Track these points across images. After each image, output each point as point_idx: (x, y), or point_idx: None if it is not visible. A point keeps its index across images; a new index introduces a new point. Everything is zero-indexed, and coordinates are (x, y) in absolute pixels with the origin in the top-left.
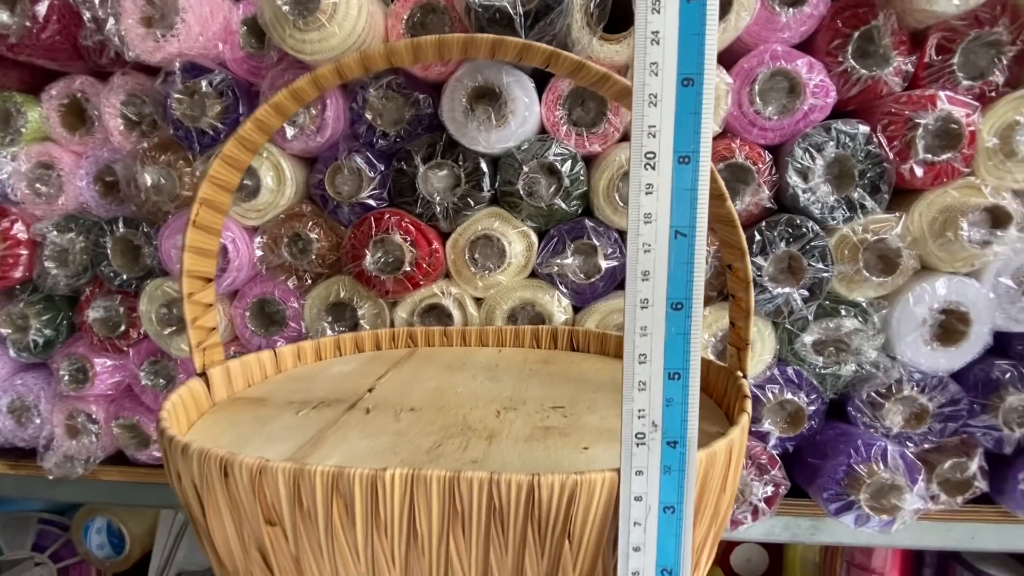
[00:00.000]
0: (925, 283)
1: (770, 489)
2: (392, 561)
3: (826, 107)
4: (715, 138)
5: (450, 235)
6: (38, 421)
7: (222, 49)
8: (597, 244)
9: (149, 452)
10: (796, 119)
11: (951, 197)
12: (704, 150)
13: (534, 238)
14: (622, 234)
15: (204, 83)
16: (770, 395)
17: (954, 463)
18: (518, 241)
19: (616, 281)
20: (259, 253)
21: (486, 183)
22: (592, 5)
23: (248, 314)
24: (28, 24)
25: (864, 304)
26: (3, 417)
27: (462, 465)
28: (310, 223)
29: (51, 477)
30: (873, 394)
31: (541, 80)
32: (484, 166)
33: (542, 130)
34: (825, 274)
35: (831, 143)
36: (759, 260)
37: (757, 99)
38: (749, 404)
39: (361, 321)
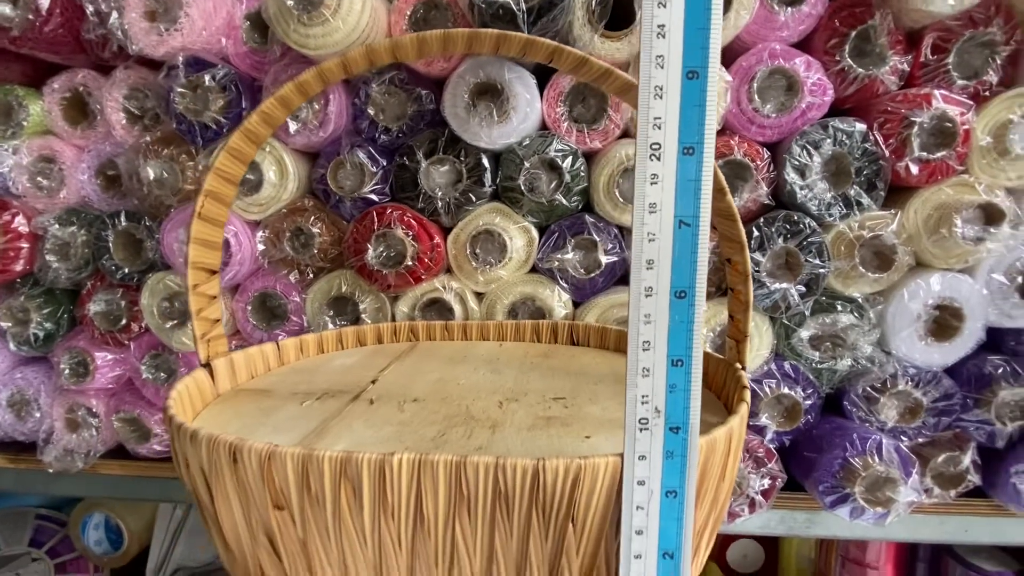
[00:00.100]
0: (920, 279)
1: (767, 482)
2: (399, 545)
3: (823, 105)
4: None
5: (451, 230)
6: (38, 415)
7: (225, 44)
8: (597, 239)
9: (150, 446)
10: (794, 117)
11: (945, 194)
12: (708, 142)
13: (535, 233)
14: (622, 230)
15: (207, 77)
16: (767, 389)
17: (947, 457)
18: (519, 236)
19: (616, 276)
20: (261, 247)
21: (487, 179)
22: (594, 2)
23: (250, 308)
24: (31, 17)
25: (860, 300)
26: (3, 411)
27: (467, 452)
28: (312, 217)
29: (51, 471)
30: (868, 389)
31: (542, 77)
32: (485, 162)
33: (543, 126)
34: (822, 270)
35: (828, 141)
36: (757, 256)
37: (756, 97)
38: (748, 394)
39: (362, 315)
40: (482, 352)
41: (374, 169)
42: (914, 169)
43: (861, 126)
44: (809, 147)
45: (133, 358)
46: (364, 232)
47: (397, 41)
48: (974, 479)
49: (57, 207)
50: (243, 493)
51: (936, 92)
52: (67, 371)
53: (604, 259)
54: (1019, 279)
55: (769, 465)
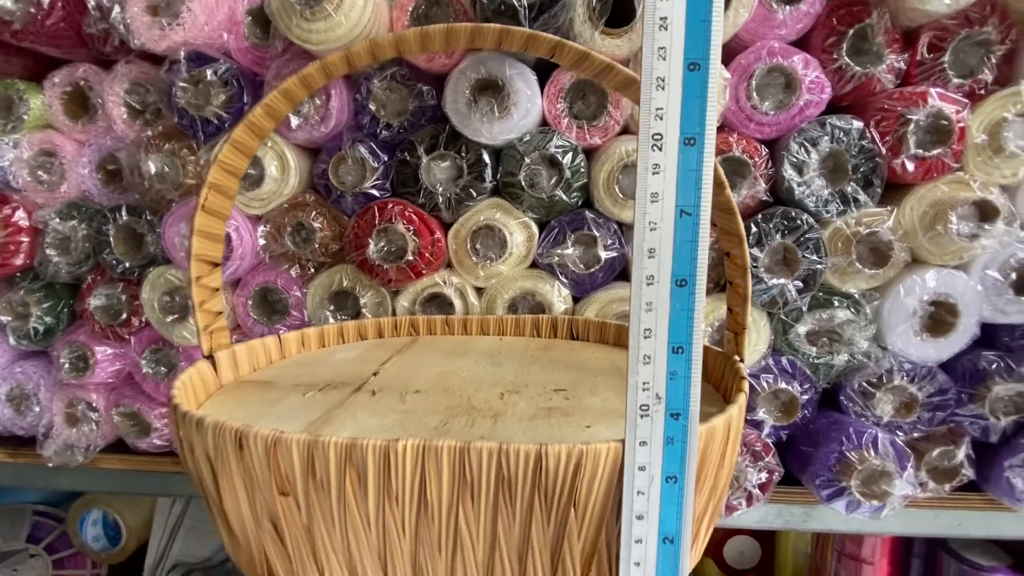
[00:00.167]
0: (915, 275)
1: (764, 475)
2: (403, 530)
3: (821, 103)
4: None
5: (452, 225)
6: (37, 409)
7: (227, 39)
8: (597, 235)
9: (150, 440)
10: (792, 114)
11: (941, 191)
12: (709, 133)
13: (535, 229)
14: (622, 225)
15: (209, 72)
16: (764, 384)
17: (942, 451)
18: (519, 232)
19: (615, 272)
20: (262, 242)
21: (488, 174)
22: (594, 0)
23: (250, 302)
24: (32, 11)
25: (856, 295)
26: (2, 405)
27: (470, 440)
28: (313, 212)
29: (51, 465)
30: (864, 384)
31: (543, 73)
32: (486, 157)
33: (544, 123)
34: (819, 266)
35: (826, 138)
36: (755, 251)
37: (754, 94)
38: (747, 385)
39: (363, 310)
40: (482, 346)
41: (375, 164)
42: (910, 166)
43: (858, 124)
44: (807, 144)
45: (133, 352)
46: (365, 227)
47: (400, 35)
48: (968, 473)
49: (58, 201)
50: (248, 479)
51: (932, 90)
52: (67, 365)
53: (603, 254)
54: (1013, 275)
55: (766, 459)
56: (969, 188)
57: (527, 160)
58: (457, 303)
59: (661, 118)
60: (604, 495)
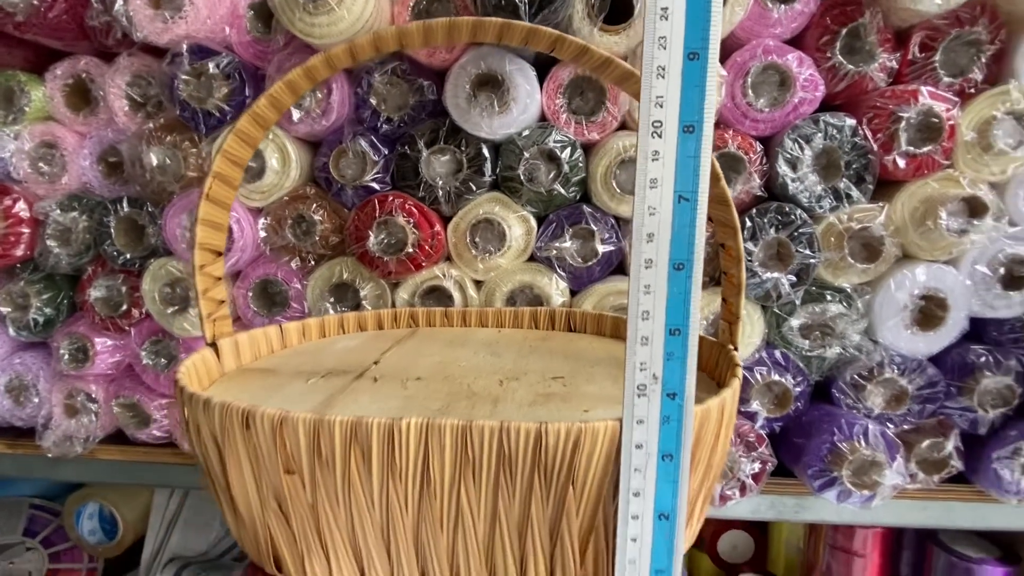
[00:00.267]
0: (906, 270)
1: (757, 466)
2: (405, 507)
3: (815, 100)
4: None
5: (451, 219)
6: (36, 400)
7: (229, 33)
8: (594, 229)
9: (149, 431)
10: (786, 111)
11: (931, 188)
12: (707, 121)
13: (533, 223)
14: (619, 220)
15: (211, 65)
16: (758, 377)
17: (931, 443)
18: (518, 225)
19: (612, 265)
20: (263, 234)
21: (487, 168)
22: None
23: (251, 294)
24: (35, 3)
25: (848, 290)
26: (1, 396)
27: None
28: (314, 205)
29: (50, 455)
30: (856, 376)
31: (542, 70)
32: (486, 152)
33: (542, 118)
34: (812, 260)
35: (819, 135)
36: (749, 246)
37: (749, 92)
38: (740, 371)
39: (363, 302)
40: (481, 337)
41: (376, 158)
42: (901, 163)
43: (851, 121)
44: (801, 141)
45: (133, 344)
46: (366, 219)
47: (403, 28)
48: (957, 465)
49: (58, 193)
50: (254, 458)
51: (923, 89)
52: (66, 356)
53: (601, 248)
54: (1001, 270)
55: (760, 449)
56: (959, 185)
57: (526, 155)
58: (456, 296)
59: (661, 106)
60: (602, 472)
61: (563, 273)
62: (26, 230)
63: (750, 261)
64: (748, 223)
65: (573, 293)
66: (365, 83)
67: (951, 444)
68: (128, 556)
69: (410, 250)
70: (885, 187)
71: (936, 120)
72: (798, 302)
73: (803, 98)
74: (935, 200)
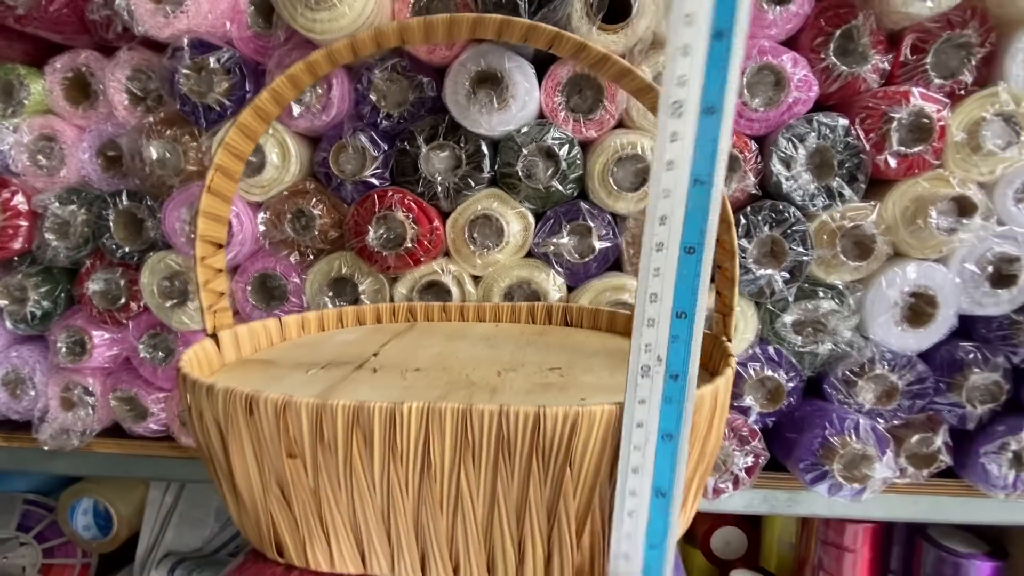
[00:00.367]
0: (897, 268)
1: (750, 459)
2: (406, 490)
3: (809, 100)
4: None
5: (450, 214)
6: (32, 394)
7: (229, 27)
8: (591, 225)
9: (146, 424)
10: (781, 111)
11: (922, 187)
12: (729, 104)
13: (531, 219)
14: (616, 217)
15: (212, 60)
16: (752, 372)
17: (921, 438)
18: (516, 221)
19: (609, 262)
20: (262, 228)
21: (486, 165)
22: None
23: (249, 288)
24: None
25: (840, 287)
26: None
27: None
28: (313, 200)
29: (46, 448)
30: (847, 372)
31: (541, 68)
32: (485, 148)
33: (541, 115)
34: (805, 258)
35: (813, 134)
36: (744, 243)
37: (745, 91)
38: (733, 362)
39: (361, 296)
40: (479, 331)
41: (375, 153)
42: (893, 163)
43: (844, 121)
44: (794, 140)
45: (131, 337)
46: (365, 214)
47: (405, 24)
48: (946, 459)
49: (57, 186)
50: (257, 443)
51: (914, 90)
52: (64, 350)
53: (598, 245)
54: (989, 268)
55: (753, 443)
56: (948, 184)
57: (524, 151)
58: (454, 290)
59: (683, 85)
60: (598, 455)
61: (560, 269)
62: (24, 223)
63: (744, 258)
64: (743, 221)
65: (570, 289)
66: (365, 79)
67: (940, 439)
68: (122, 551)
69: (409, 245)
70: (877, 186)
71: (927, 121)
72: (791, 299)
73: (797, 98)
74: (925, 199)
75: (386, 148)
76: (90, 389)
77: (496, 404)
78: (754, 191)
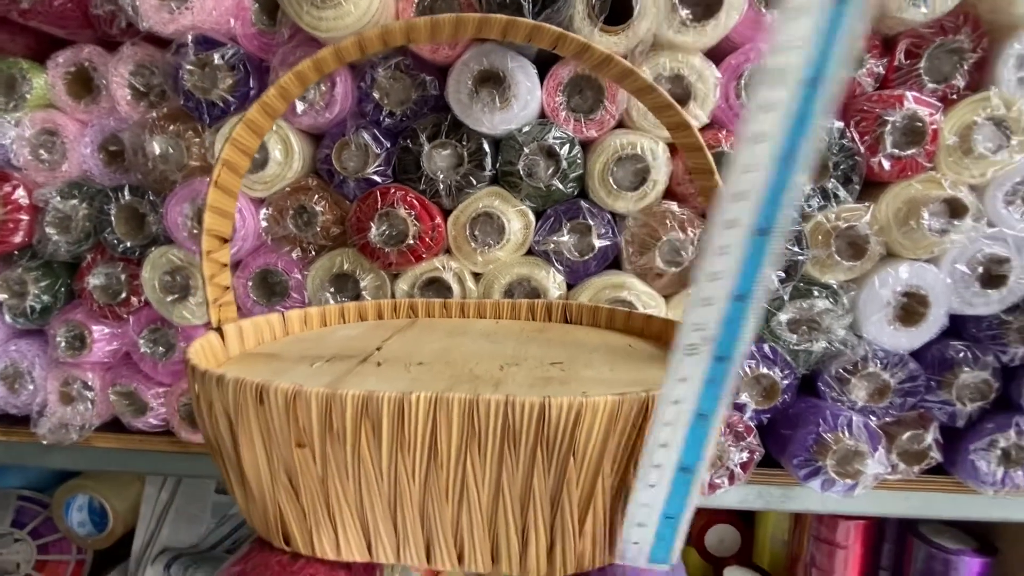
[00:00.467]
0: (890, 268)
1: (745, 455)
2: (413, 479)
3: None
4: (703, 129)
5: (452, 212)
6: (31, 388)
7: (234, 24)
8: (591, 224)
9: (145, 419)
10: None
11: (914, 189)
12: (834, 74)
13: (532, 217)
14: (615, 215)
15: (216, 56)
16: (747, 369)
17: (912, 435)
18: (517, 219)
19: (608, 260)
20: (264, 224)
21: (488, 163)
22: None
23: (251, 284)
24: None
25: (835, 286)
26: None
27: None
28: (316, 196)
29: (45, 442)
30: (841, 370)
31: (543, 68)
32: (486, 147)
33: (542, 115)
34: (800, 257)
35: None
36: None
37: (743, 93)
38: None
39: (363, 292)
40: (480, 327)
41: (378, 151)
42: (886, 165)
43: (839, 124)
44: None
45: (131, 332)
46: (367, 211)
47: (411, 23)
48: (936, 456)
49: (58, 180)
50: (267, 433)
51: (908, 94)
52: (63, 344)
53: (597, 243)
54: (980, 269)
55: (748, 439)
56: (940, 187)
57: (526, 150)
58: (455, 287)
59: (786, 52)
60: (601, 445)
61: (560, 267)
62: (25, 217)
63: None
64: None
65: (570, 286)
66: (368, 77)
67: (930, 436)
68: (118, 548)
69: (411, 242)
70: (871, 188)
71: (920, 124)
72: (786, 298)
73: None
74: (918, 201)
75: (388, 146)
76: (89, 383)
77: (502, 395)
78: None
